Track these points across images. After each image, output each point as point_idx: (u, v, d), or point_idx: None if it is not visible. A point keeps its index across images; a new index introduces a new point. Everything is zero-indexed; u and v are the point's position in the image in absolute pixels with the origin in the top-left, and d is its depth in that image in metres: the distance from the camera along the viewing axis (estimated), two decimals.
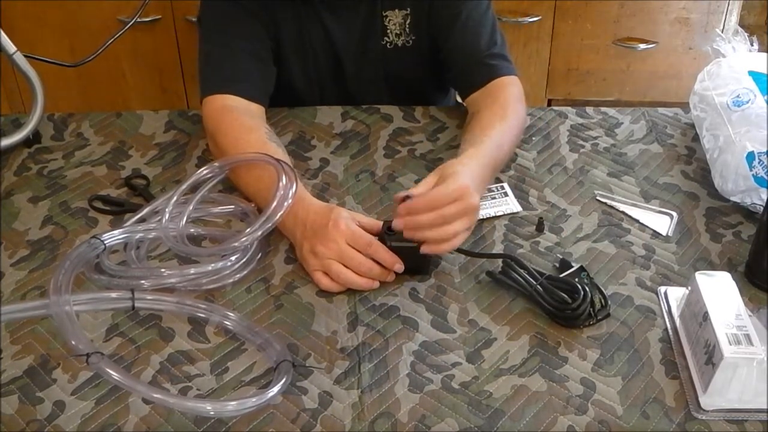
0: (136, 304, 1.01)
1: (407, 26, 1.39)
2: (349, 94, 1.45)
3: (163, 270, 1.06)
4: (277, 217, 1.06)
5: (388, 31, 1.39)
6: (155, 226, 1.11)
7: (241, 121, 1.25)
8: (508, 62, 1.35)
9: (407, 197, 1.03)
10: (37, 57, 1.33)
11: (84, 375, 0.94)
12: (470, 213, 1.04)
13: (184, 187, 1.15)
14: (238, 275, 1.07)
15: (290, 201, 1.07)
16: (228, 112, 1.26)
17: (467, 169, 1.09)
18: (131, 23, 1.38)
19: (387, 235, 1.06)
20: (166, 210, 1.11)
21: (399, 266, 1.05)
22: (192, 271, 1.05)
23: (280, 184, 1.08)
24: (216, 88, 1.30)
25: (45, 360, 0.96)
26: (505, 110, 1.27)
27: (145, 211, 1.15)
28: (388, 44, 1.40)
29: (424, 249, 1.03)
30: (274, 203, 1.06)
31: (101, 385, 0.93)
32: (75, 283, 0.99)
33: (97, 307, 1.01)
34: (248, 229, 1.06)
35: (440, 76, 1.45)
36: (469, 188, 1.04)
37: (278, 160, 1.12)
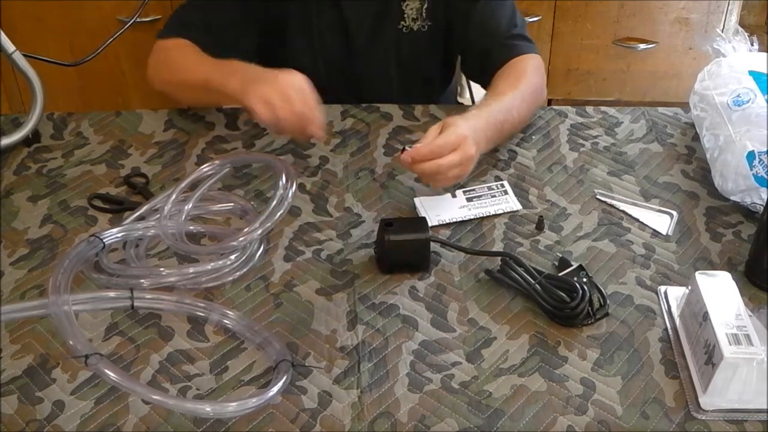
0: (136, 304, 1.01)
1: (424, 11, 1.39)
2: (355, 77, 1.44)
3: (162, 269, 1.06)
4: (277, 216, 1.06)
5: (405, 15, 1.39)
6: (154, 224, 1.11)
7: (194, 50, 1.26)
8: (529, 42, 1.37)
9: (405, 149, 1.11)
10: (37, 57, 1.33)
11: (83, 375, 0.94)
12: (465, 162, 1.11)
13: (183, 184, 1.15)
14: (237, 273, 1.07)
15: (290, 200, 1.07)
16: (180, 47, 1.27)
17: (468, 122, 1.14)
18: (131, 23, 1.37)
19: (386, 229, 1.06)
20: (166, 208, 1.11)
21: (320, 117, 1.13)
22: (191, 269, 1.05)
23: (280, 183, 1.08)
24: (174, 32, 1.29)
25: (44, 360, 0.96)
26: (518, 79, 1.29)
27: (144, 209, 1.15)
28: (404, 28, 1.41)
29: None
30: (274, 202, 1.07)
31: (101, 384, 0.93)
32: (74, 282, 0.99)
33: (96, 307, 1.01)
34: (247, 228, 1.06)
35: (449, 65, 1.45)
36: (467, 138, 1.10)
37: (279, 160, 1.12)
